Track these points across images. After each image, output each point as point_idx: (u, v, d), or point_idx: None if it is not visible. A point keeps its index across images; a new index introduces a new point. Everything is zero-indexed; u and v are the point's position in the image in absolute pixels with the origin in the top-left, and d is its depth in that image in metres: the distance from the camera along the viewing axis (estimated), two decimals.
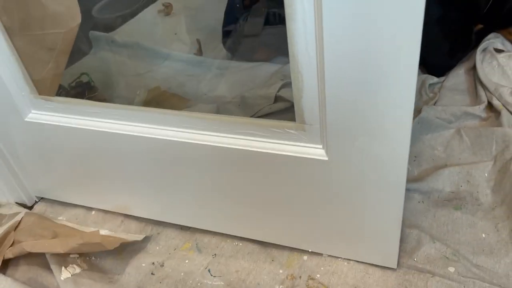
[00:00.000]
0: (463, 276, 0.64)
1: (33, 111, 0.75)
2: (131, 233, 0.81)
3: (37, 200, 0.93)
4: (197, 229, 0.80)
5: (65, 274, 0.72)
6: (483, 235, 0.71)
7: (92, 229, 0.81)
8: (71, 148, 0.76)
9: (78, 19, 0.65)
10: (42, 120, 0.74)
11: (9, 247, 0.78)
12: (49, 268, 0.76)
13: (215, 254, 0.75)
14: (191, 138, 0.66)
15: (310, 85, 0.52)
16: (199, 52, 1.25)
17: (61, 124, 0.73)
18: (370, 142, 0.54)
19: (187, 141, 0.66)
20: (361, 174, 0.57)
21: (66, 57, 0.67)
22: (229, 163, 0.65)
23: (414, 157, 0.87)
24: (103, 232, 0.79)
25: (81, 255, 0.77)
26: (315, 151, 0.59)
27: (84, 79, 1.08)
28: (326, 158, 0.58)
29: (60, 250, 0.71)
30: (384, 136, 0.52)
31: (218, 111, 0.96)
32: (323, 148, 0.58)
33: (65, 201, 0.90)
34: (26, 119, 0.75)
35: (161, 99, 1.04)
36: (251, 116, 0.94)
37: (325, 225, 0.67)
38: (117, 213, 0.86)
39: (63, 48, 0.67)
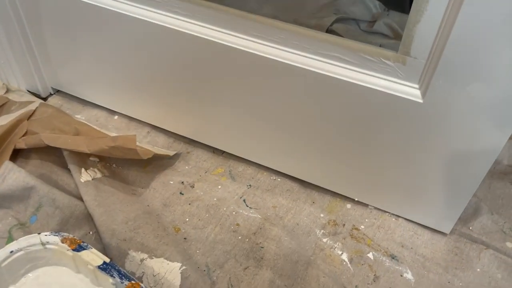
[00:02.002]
0: None
1: None
2: (157, 147, 0.74)
3: (52, 93, 0.83)
4: (231, 155, 0.73)
5: (85, 176, 0.64)
6: None
7: (115, 134, 0.73)
8: (109, 34, 0.66)
9: None
10: None
11: (22, 136, 0.70)
12: (64, 167, 0.68)
13: (250, 185, 0.69)
14: (258, 50, 0.56)
15: (437, 7, 0.44)
16: None
17: (106, 7, 0.62)
18: (486, 90, 0.46)
19: (253, 52, 0.56)
20: (457, 126, 0.50)
21: None
22: (299, 86, 0.57)
23: None
24: None
25: (102, 159, 0.69)
26: (409, 91, 0.51)
27: None
28: (421, 101, 0.50)
29: (86, 149, 0.62)
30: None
31: None
32: (419, 88, 0.50)
33: (85, 98, 0.80)
34: None
35: None
36: None
37: (386, 176, 0.61)
38: (144, 122, 0.77)
39: None
